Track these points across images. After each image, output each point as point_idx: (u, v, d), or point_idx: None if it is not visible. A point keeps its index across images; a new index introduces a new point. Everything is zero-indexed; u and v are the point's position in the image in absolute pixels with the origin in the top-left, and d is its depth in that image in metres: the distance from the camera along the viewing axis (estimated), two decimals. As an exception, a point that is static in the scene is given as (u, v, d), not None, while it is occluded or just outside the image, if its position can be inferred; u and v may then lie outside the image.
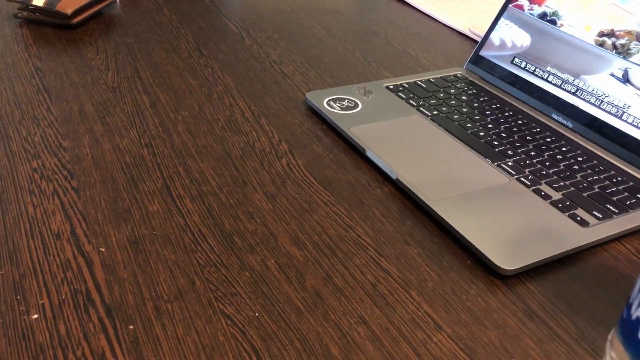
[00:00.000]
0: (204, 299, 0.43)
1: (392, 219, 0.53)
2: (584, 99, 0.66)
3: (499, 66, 0.74)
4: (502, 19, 0.76)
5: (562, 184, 0.57)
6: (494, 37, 0.76)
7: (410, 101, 0.69)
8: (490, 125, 0.65)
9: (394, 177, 0.56)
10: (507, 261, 0.47)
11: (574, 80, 0.67)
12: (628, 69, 0.63)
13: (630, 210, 0.54)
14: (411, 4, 1.05)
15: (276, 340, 0.41)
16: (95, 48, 0.80)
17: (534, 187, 0.56)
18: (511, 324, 0.43)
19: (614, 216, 0.53)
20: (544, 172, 0.58)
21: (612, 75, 0.64)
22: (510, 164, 0.59)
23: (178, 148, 0.60)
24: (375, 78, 0.77)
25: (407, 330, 0.42)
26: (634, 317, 0.37)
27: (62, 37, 0.83)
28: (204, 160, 0.59)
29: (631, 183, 0.58)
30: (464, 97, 0.71)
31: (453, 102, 0.70)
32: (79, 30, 0.85)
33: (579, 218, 0.52)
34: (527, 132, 0.65)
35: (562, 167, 0.59)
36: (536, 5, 0.72)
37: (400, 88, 0.72)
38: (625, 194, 0.56)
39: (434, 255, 0.49)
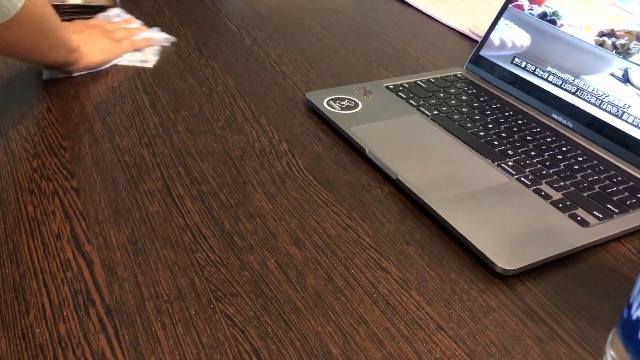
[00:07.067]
0: (204, 299, 0.43)
1: (392, 219, 0.53)
2: (584, 99, 0.66)
3: (499, 66, 0.74)
4: (502, 19, 0.76)
5: (562, 183, 0.57)
6: (494, 37, 0.76)
7: (411, 101, 0.69)
8: (490, 125, 0.65)
9: (394, 177, 0.56)
10: (507, 261, 0.47)
11: (574, 80, 0.67)
12: (628, 69, 0.63)
13: (631, 210, 0.54)
14: (411, 4, 1.05)
15: (276, 340, 0.41)
16: (95, 48, 0.80)
17: (534, 187, 0.56)
18: (511, 324, 0.43)
19: (614, 216, 0.53)
20: (544, 172, 0.58)
21: (612, 75, 0.64)
22: (510, 163, 0.59)
23: (178, 148, 0.60)
24: (375, 78, 0.77)
25: (407, 330, 0.42)
26: (634, 317, 0.37)
27: (62, 37, 0.83)
28: (204, 160, 0.59)
29: (631, 183, 0.58)
30: (464, 97, 0.71)
31: (453, 102, 0.70)
32: (79, 30, 0.85)
33: (579, 218, 0.52)
34: (527, 131, 0.65)
35: (562, 167, 0.59)
36: (536, 5, 0.72)
37: (400, 88, 0.72)
38: (626, 193, 0.56)
39: (434, 255, 0.49)
